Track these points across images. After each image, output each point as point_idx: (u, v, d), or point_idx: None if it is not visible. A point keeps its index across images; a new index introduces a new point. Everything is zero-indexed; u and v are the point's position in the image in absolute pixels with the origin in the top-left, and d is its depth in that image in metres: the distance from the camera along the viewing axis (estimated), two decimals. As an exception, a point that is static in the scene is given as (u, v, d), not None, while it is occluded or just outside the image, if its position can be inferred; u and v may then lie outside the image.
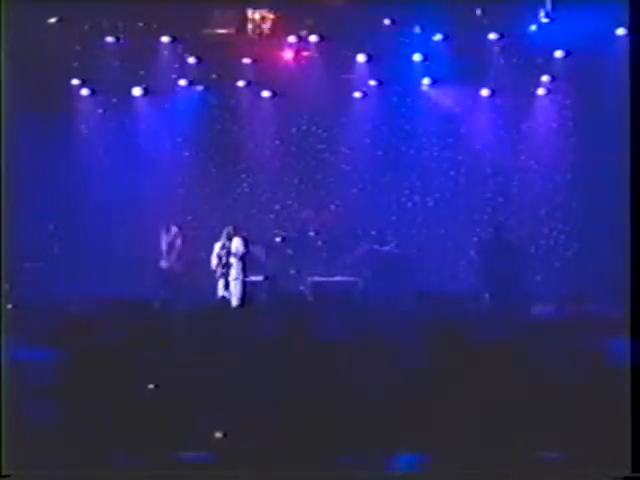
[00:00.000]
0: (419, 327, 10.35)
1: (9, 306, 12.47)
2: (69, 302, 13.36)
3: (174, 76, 17.82)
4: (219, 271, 16.05)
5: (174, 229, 17.26)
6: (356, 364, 9.74)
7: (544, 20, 16.44)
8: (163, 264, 17.08)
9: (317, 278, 16.67)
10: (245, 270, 16.11)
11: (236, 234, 16.14)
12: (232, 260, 16.00)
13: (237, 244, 16.09)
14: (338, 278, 16.65)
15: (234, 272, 15.99)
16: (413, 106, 17.85)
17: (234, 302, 15.47)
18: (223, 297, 15.69)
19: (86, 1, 16.52)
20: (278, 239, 17.70)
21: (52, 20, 16.92)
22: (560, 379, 9.78)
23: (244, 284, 15.99)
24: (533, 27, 16.76)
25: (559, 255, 17.09)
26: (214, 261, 16.10)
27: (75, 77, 17.67)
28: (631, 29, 14.42)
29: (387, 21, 16.99)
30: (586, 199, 16.92)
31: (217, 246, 16.09)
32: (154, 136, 17.89)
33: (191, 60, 17.71)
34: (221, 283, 15.98)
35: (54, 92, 17.26)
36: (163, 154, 17.83)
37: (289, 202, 17.96)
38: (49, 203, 17.18)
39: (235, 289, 15.73)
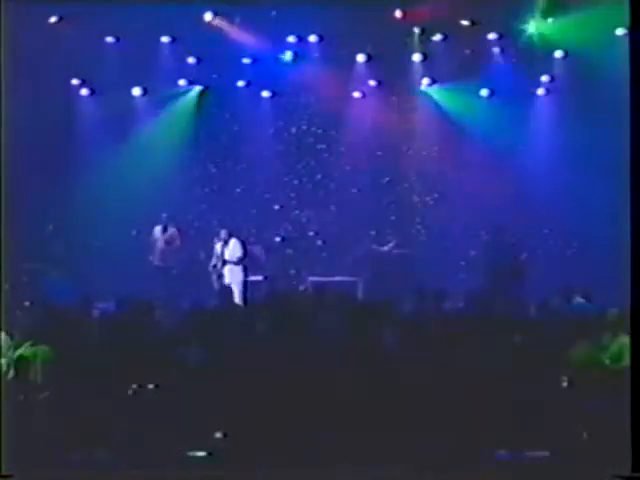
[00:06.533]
0: (419, 327, 10.35)
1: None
2: (68, 302, 13.34)
3: (174, 76, 17.83)
4: (214, 274, 16.12)
5: (173, 230, 17.29)
6: (356, 364, 9.74)
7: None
8: (162, 264, 17.09)
9: (317, 278, 16.67)
10: (245, 272, 16.15)
11: (231, 236, 16.19)
12: (225, 268, 16.04)
13: (233, 247, 16.12)
14: (338, 278, 16.64)
15: (229, 275, 16.02)
16: (413, 106, 17.85)
17: (231, 302, 15.46)
18: (220, 298, 15.68)
19: (86, 1, 16.52)
20: (278, 239, 17.70)
21: (52, 20, 16.93)
22: (560, 379, 9.78)
23: (245, 285, 16.03)
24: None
25: (559, 255, 17.08)
26: (211, 264, 16.20)
27: (75, 77, 17.67)
28: (631, 29, 14.36)
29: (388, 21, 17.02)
30: (586, 199, 16.91)
31: (215, 248, 16.18)
32: (154, 136, 17.88)
33: (191, 60, 17.73)
34: (218, 285, 15.99)
35: (54, 92, 17.26)
36: (163, 154, 17.82)
37: (289, 202, 17.96)
38: (49, 203, 17.18)
39: (232, 290, 15.74)
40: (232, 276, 16.06)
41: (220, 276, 16.10)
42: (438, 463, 8.99)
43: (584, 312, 11.70)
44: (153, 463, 9.16)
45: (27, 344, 10.05)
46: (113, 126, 17.78)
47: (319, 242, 17.81)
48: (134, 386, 9.65)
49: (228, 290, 14.41)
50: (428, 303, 11.42)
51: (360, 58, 17.55)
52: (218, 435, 9.46)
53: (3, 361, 10.05)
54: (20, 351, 10.05)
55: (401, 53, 17.45)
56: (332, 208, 17.97)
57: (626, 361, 9.98)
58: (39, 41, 16.65)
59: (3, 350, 10.16)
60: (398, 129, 17.78)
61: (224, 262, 16.10)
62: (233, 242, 16.17)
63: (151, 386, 9.67)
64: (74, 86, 17.74)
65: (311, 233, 17.88)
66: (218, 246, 16.20)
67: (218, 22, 17.24)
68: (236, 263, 16.09)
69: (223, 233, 16.25)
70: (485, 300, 11.67)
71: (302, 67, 17.67)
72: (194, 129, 18.05)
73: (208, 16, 17.20)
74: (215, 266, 16.15)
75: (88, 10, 16.60)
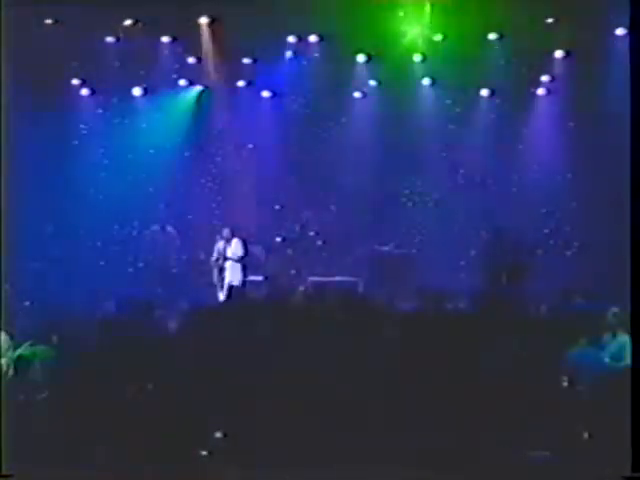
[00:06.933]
0: (419, 327, 10.35)
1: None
2: (68, 302, 13.36)
3: (174, 76, 17.84)
4: (215, 273, 16.11)
5: (172, 230, 17.31)
6: (356, 364, 9.74)
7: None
8: (163, 265, 17.11)
9: (317, 278, 16.67)
10: (244, 272, 16.14)
11: (234, 236, 16.18)
12: (227, 263, 16.03)
13: (235, 246, 16.11)
14: (338, 278, 16.64)
15: (230, 274, 16.01)
16: (413, 106, 17.84)
17: (230, 303, 15.45)
18: (222, 298, 15.69)
19: (86, 1, 16.51)
20: (278, 239, 17.70)
21: (51, 20, 16.92)
22: (560, 379, 9.78)
23: (243, 285, 16.03)
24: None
25: (559, 255, 17.08)
26: (212, 264, 16.18)
27: (75, 77, 17.67)
28: (631, 29, 14.39)
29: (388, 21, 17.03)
30: (586, 199, 16.91)
31: (217, 245, 16.18)
32: (154, 136, 17.88)
33: (191, 60, 17.73)
34: (218, 284, 15.99)
35: (54, 92, 17.26)
36: (163, 154, 17.83)
37: (289, 202, 17.95)
38: (49, 203, 17.19)
39: (232, 290, 15.73)
40: (232, 275, 16.05)
41: (222, 270, 16.06)
42: (438, 463, 8.99)
43: (584, 312, 11.70)
44: (153, 463, 9.16)
45: (27, 344, 10.06)
46: (113, 126, 17.79)
47: (319, 242, 17.80)
48: (134, 386, 9.65)
49: (228, 290, 14.42)
50: (428, 303, 11.43)
51: (360, 58, 17.56)
52: (218, 435, 9.46)
53: (3, 361, 10.06)
54: (20, 351, 10.06)
55: (401, 53, 17.46)
56: (332, 208, 17.97)
57: (626, 361, 9.99)
58: (39, 41, 16.65)
59: (3, 350, 10.17)
60: (398, 129, 17.77)
61: (225, 259, 16.10)
62: (235, 241, 16.17)
63: (151, 386, 9.67)
64: (74, 86, 17.75)
65: (311, 233, 17.86)
66: (220, 244, 16.18)
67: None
68: (237, 261, 16.09)
69: (226, 232, 16.24)
70: (485, 300, 11.69)
71: (302, 67, 17.68)
72: (194, 129, 18.06)
73: (204, 20, 17.27)
74: (218, 260, 16.12)
75: (88, 10, 16.59)
